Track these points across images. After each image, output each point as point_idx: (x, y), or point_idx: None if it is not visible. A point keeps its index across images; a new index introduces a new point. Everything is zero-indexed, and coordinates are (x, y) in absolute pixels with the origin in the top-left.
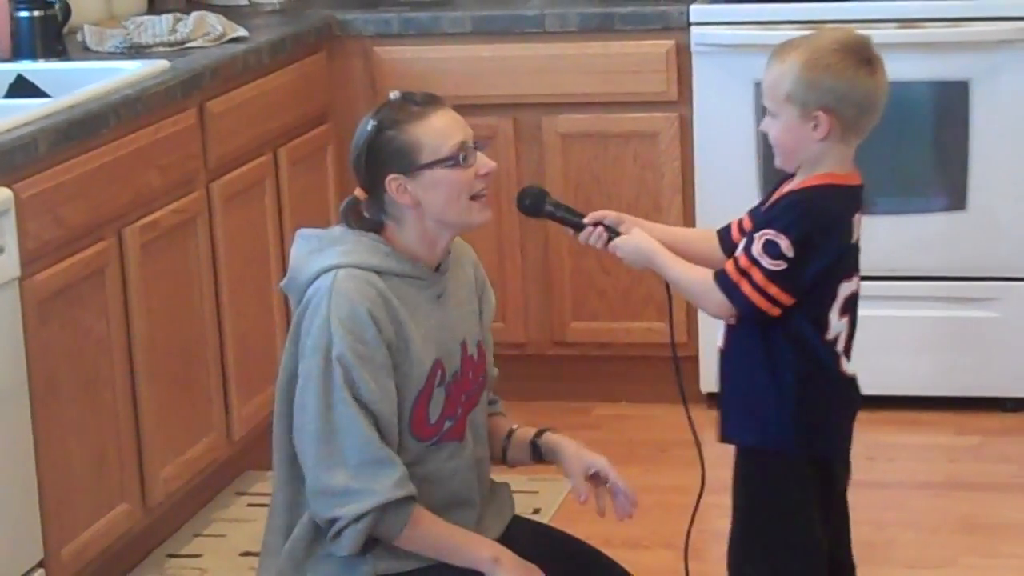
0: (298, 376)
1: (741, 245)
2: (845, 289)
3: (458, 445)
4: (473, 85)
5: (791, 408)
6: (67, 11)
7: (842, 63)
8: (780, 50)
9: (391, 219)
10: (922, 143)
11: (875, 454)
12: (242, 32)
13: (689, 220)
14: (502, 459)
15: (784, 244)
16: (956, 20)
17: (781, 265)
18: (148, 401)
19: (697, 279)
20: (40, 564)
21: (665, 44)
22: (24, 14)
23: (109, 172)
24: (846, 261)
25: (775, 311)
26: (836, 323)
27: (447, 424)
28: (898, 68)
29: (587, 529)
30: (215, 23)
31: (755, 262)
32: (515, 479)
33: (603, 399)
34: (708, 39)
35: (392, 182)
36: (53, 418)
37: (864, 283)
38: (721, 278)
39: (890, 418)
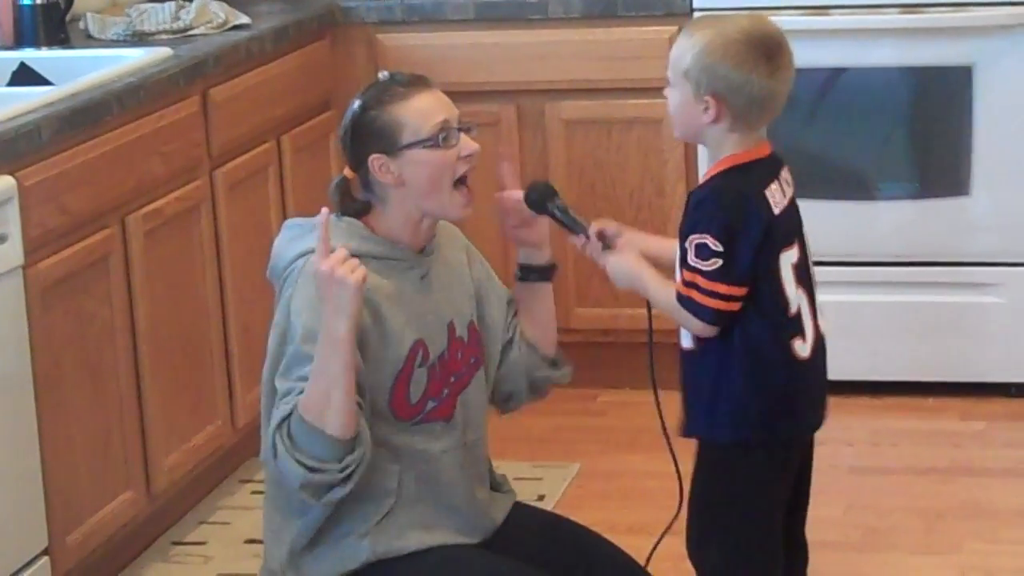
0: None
1: (678, 258)
2: (788, 259)
3: (445, 425)
4: (476, 71)
5: (744, 400)
6: None
7: (741, 55)
8: (691, 25)
9: (377, 199)
10: (925, 129)
11: (879, 440)
12: (245, 19)
13: None
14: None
15: (711, 242)
16: (959, 5)
17: (717, 263)
18: (152, 388)
19: (677, 305)
20: (44, 552)
21: (668, 30)
22: (27, 2)
23: (112, 160)
24: (776, 233)
25: (735, 306)
26: (794, 296)
27: (430, 404)
28: (901, 53)
29: (592, 516)
30: (218, 10)
31: (695, 270)
32: (519, 466)
33: (608, 386)
34: None
35: (374, 161)
36: (57, 406)
37: (868, 269)
38: (679, 299)
39: (894, 404)
